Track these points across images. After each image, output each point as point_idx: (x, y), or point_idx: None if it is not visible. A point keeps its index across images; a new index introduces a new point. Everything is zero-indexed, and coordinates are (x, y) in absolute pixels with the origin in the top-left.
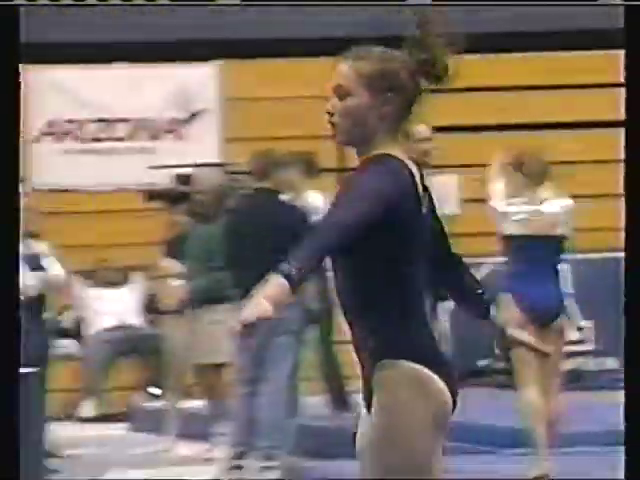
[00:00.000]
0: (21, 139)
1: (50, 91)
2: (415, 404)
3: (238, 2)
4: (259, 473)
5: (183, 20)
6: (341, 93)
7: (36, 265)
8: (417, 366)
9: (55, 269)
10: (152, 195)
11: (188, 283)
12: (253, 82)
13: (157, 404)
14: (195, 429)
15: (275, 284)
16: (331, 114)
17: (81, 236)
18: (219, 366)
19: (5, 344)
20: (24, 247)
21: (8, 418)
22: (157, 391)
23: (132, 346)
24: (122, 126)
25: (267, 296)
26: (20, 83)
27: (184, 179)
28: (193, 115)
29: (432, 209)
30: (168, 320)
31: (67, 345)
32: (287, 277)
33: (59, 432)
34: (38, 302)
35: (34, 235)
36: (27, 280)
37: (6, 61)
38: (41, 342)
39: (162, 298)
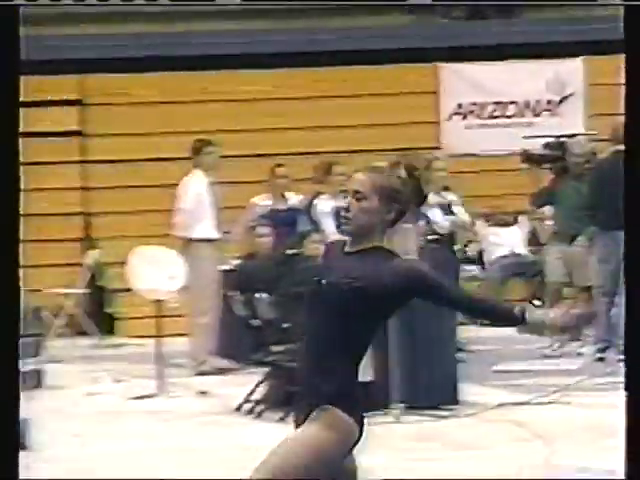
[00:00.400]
0: (20, 139)
1: (459, 81)
2: (333, 446)
3: (238, 2)
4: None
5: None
6: (358, 196)
7: (448, 211)
8: (349, 419)
9: (462, 213)
10: (528, 158)
11: (558, 223)
12: (611, 72)
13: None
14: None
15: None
16: (347, 210)
17: (479, 188)
18: (588, 287)
19: (5, 343)
20: (439, 197)
21: (8, 418)
22: (538, 303)
23: (520, 270)
24: (512, 107)
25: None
26: (20, 83)
27: (554, 146)
28: (564, 97)
29: None
30: (546, 250)
31: (472, 269)
32: None
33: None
34: (450, 238)
35: (445, 188)
36: (442, 222)
37: (6, 61)
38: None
39: (540, 234)
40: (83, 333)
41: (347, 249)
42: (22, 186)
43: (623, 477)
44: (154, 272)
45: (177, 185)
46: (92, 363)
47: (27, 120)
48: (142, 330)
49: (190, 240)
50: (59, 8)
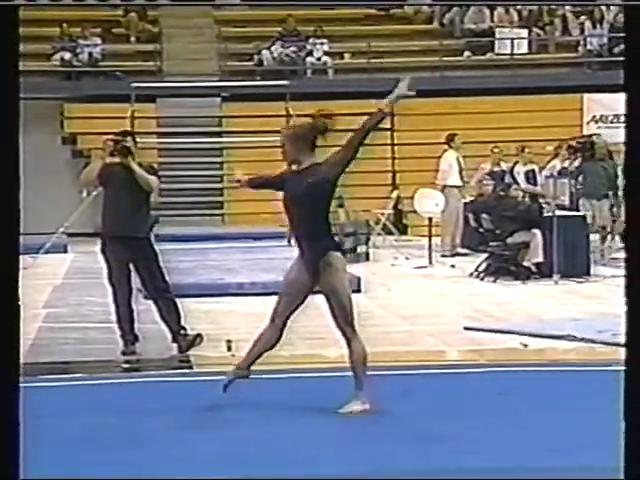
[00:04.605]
0: (21, 139)
1: (594, 103)
2: (344, 272)
3: (238, 2)
4: None
5: None
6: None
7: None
8: (339, 254)
9: None
10: (573, 147)
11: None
12: None
13: None
14: None
15: None
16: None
17: None
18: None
19: (5, 343)
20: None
21: (8, 418)
22: None
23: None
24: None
25: None
26: (19, 83)
27: (586, 142)
28: None
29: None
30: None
31: None
32: None
33: None
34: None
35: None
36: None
37: (6, 61)
38: None
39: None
40: (390, 233)
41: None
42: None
43: (623, 477)
44: (428, 202)
45: (440, 157)
46: (394, 249)
47: None
48: (420, 232)
49: (446, 185)
50: None
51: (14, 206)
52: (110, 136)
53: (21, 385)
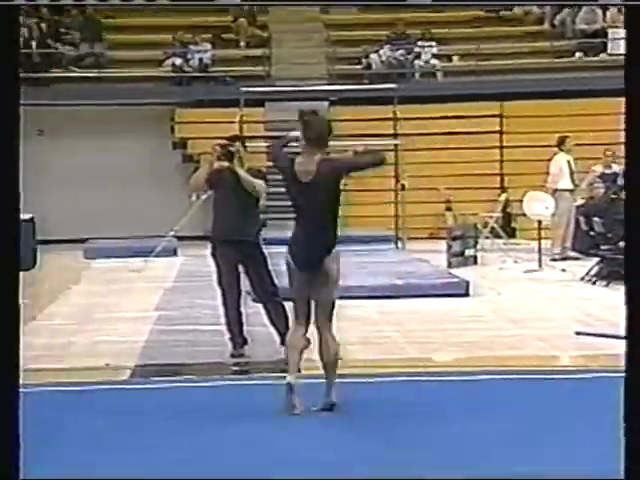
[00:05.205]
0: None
1: None
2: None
3: (238, 2)
4: None
5: None
6: None
7: None
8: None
9: None
10: None
11: None
12: None
13: None
14: None
15: None
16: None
17: None
18: None
19: (5, 345)
20: None
21: (8, 418)
22: None
23: None
24: None
25: None
26: (19, 83)
27: None
28: None
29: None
30: None
31: None
32: None
33: None
34: None
35: None
36: None
37: (6, 61)
38: None
39: None
40: (498, 236)
41: None
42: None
43: (622, 477)
44: (537, 205)
45: (550, 160)
46: (502, 252)
47: None
48: (529, 235)
49: (556, 190)
50: None
51: (14, 207)
52: (218, 141)
53: (135, 387)
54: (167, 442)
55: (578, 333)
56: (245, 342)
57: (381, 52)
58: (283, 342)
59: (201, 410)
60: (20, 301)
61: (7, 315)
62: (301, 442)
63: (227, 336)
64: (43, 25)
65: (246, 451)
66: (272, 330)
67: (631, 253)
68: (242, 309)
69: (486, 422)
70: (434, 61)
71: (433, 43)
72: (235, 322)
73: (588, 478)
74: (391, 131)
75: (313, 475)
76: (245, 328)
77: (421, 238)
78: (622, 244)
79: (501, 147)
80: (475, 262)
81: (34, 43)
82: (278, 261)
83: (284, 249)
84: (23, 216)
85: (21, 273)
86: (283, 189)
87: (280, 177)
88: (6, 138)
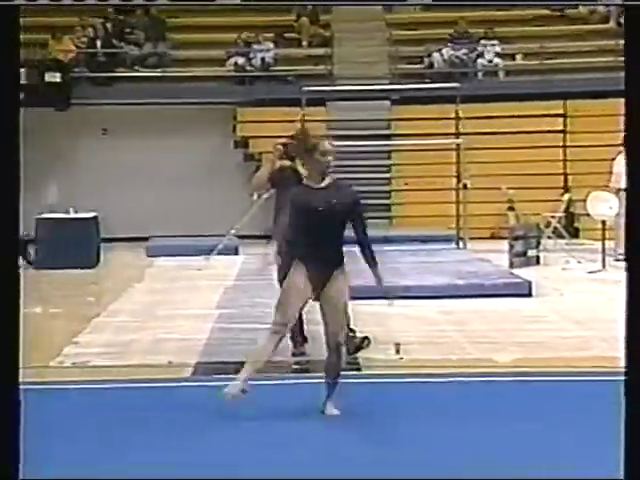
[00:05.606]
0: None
1: None
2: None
3: (238, 2)
4: None
5: None
6: None
7: None
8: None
9: None
10: None
11: None
12: None
13: None
14: None
15: None
16: None
17: None
18: None
19: (5, 345)
20: None
21: (8, 418)
22: None
23: None
24: None
25: None
26: (19, 82)
27: None
28: None
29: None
30: None
31: None
32: None
33: None
34: None
35: None
36: None
37: (6, 61)
38: None
39: None
40: (561, 236)
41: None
42: None
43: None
44: (601, 205)
45: (614, 159)
46: (565, 253)
47: None
48: (593, 236)
49: (620, 189)
50: None
51: (14, 206)
52: (280, 140)
53: (196, 384)
54: (228, 439)
55: None
56: (305, 340)
57: (443, 51)
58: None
59: (261, 408)
60: (20, 301)
61: (7, 315)
62: (360, 440)
63: (288, 335)
64: (108, 25)
65: (305, 449)
66: None
67: (632, 254)
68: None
69: (551, 424)
70: (497, 60)
71: (496, 42)
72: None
73: (588, 478)
74: (453, 130)
75: (379, 474)
76: (305, 327)
77: (483, 238)
78: None
79: (564, 146)
80: (537, 262)
81: (99, 43)
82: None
83: (344, 248)
84: (87, 214)
85: (85, 270)
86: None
87: (344, 177)
88: (6, 138)
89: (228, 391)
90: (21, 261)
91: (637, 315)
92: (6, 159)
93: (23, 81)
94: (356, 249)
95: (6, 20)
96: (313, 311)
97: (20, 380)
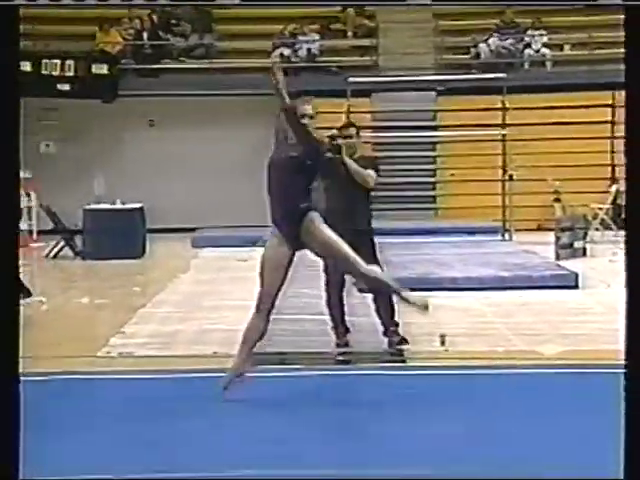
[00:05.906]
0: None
1: None
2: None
3: (238, 2)
4: None
5: None
6: None
7: None
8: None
9: None
10: None
11: None
12: None
13: None
14: None
15: None
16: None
17: None
18: None
19: (5, 342)
20: None
21: (8, 418)
22: None
23: None
24: None
25: None
26: (18, 82)
27: None
28: None
29: None
30: None
31: None
32: None
33: None
34: None
35: None
36: None
37: (6, 61)
38: None
39: None
40: (609, 228)
41: None
42: None
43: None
44: None
45: None
46: (612, 244)
47: None
48: None
49: None
50: None
51: (14, 205)
52: (333, 131)
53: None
54: (272, 430)
55: None
56: (347, 330)
57: (490, 41)
58: (385, 333)
59: (305, 398)
60: (20, 301)
61: (7, 312)
62: (405, 431)
63: (330, 325)
64: (155, 17)
65: (349, 438)
66: (376, 320)
67: (632, 251)
68: (344, 298)
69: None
70: (544, 50)
71: (544, 32)
72: (337, 311)
73: (588, 478)
74: (499, 121)
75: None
76: (347, 318)
77: (529, 229)
78: None
79: (612, 137)
80: (584, 254)
81: (145, 34)
82: (383, 252)
83: (390, 239)
84: (133, 205)
85: (131, 261)
86: (388, 179)
87: (389, 168)
88: (6, 137)
89: (223, 380)
90: (68, 252)
91: (637, 315)
92: (6, 158)
93: (71, 73)
94: (392, 240)
95: (6, 20)
96: (362, 303)
97: (69, 369)
